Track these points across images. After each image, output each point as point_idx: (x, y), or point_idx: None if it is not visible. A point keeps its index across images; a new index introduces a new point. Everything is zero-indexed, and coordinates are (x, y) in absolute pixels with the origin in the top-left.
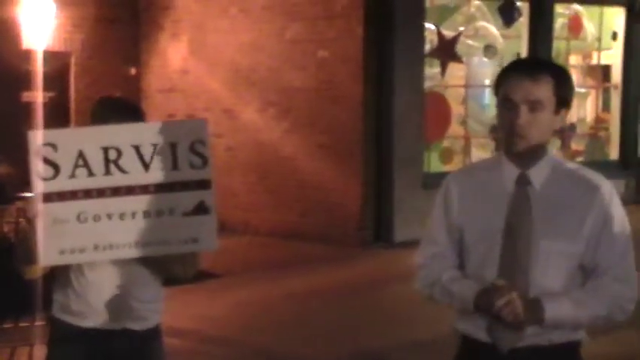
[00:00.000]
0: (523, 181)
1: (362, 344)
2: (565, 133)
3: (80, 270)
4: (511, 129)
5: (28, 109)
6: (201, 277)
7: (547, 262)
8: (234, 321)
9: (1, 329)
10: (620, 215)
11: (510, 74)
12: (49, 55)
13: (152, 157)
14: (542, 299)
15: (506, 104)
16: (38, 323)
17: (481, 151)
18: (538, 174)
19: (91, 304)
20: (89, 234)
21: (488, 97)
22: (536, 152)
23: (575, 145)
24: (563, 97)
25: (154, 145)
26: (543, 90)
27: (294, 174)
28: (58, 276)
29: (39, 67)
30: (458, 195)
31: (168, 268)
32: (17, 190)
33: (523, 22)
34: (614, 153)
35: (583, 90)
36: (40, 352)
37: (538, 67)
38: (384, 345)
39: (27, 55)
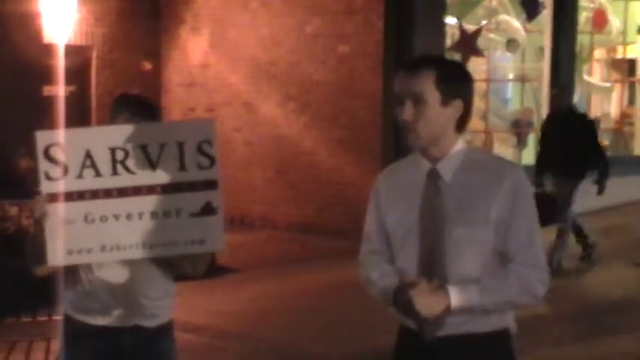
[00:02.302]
0: (433, 176)
1: (378, 340)
2: None
3: (90, 268)
4: (401, 124)
5: (49, 103)
6: (219, 271)
7: (461, 251)
8: (251, 316)
9: (19, 323)
10: (528, 201)
11: (397, 72)
12: (70, 49)
13: (159, 158)
14: (449, 289)
15: (397, 102)
16: (56, 318)
17: (502, 146)
18: (447, 167)
19: (101, 302)
20: (96, 234)
21: (510, 92)
22: (441, 146)
23: (599, 139)
24: (449, 89)
25: (161, 146)
26: (422, 84)
27: (312, 169)
28: (69, 274)
29: (60, 61)
30: (384, 193)
31: (177, 266)
32: (38, 184)
33: (546, 16)
34: (638, 148)
35: (608, 84)
36: (57, 346)
37: (419, 63)
38: None
39: (48, 49)
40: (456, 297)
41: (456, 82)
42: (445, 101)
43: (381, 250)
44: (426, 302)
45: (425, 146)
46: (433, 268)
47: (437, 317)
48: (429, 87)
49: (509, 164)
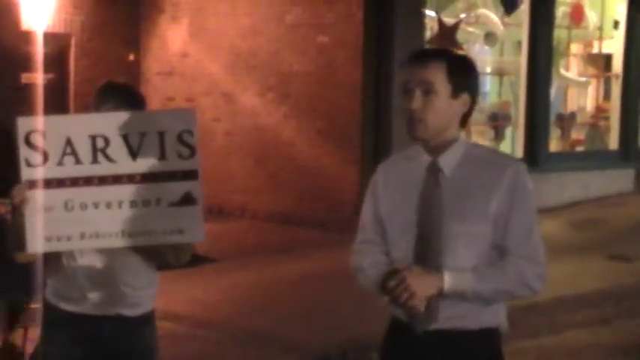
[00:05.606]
0: (434, 169)
1: (356, 330)
2: (565, 121)
3: (72, 255)
4: (408, 113)
5: (27, 90)
6: (197, 261)
7: (457, 244)
8: (229, 305)
9: None
10: (527, 195)
11: (407, 63)
12: (48, 37)
13: (139, 147)
14: (443, 271)
15: (403, 91)
16: (34, 305)
17: (480, 139)
18: (448, 160)
19: (82, 290)
20: (76, 222)
21: (488, 85)
22: (443, 139)
23: (575, 134)
24: (459, 82)
25: (142, 134)
26: (434, 74)
27: (292, 159)
28: (50, 261)
29: (39, 49)
30: (382, 184)
31: (161, 255)
32: (17, 171)
33: (524, 10)
34: (613, 143)
35: (584, 79)
36: (34, 334)
37: (430, 54)
38: (377, 331)
39: (27, 36)
40: (450, 280)
41: (465, 76)
42: (455, 94)
43: (375, 240)
44: (419, 282)
45: (430, 138)
46: (428, 260)
47: (429, 305)
48: (440, 78)
49: (510, 159)
